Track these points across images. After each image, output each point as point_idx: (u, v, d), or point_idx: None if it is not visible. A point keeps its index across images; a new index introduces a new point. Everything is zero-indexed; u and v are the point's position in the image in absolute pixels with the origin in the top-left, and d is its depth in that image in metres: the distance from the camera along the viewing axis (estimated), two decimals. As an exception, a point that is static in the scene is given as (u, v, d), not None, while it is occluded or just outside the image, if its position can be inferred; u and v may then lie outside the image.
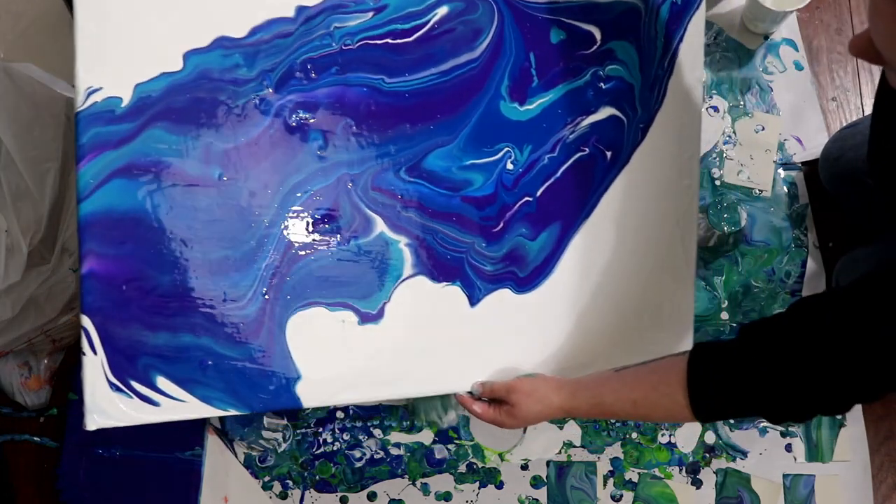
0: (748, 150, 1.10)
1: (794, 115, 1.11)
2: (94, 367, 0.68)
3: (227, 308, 0.72)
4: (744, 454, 1.02)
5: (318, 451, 1.02)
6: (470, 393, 0.81)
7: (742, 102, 1.11)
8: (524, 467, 1.02)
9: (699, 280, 1.06)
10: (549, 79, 0.82)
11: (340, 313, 0.75)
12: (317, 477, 1.02)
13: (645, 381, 0.69)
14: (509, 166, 0.81)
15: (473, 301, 0.81)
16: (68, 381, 1.03)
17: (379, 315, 0.77)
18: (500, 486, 1.02)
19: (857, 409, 1.02)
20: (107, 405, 0.69)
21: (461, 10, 0.78)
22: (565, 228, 0.84)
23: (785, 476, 1.01)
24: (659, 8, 0.86)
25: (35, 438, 1.02)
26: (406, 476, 1.02)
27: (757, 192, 1.09)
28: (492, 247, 0.81)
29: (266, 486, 1.02)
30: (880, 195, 0.76)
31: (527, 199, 0.82)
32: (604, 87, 0.85)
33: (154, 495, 0.99)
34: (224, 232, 0.72)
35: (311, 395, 0.75)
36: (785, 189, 1.09)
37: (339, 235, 0.75)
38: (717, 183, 1.09)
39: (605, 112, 0.85)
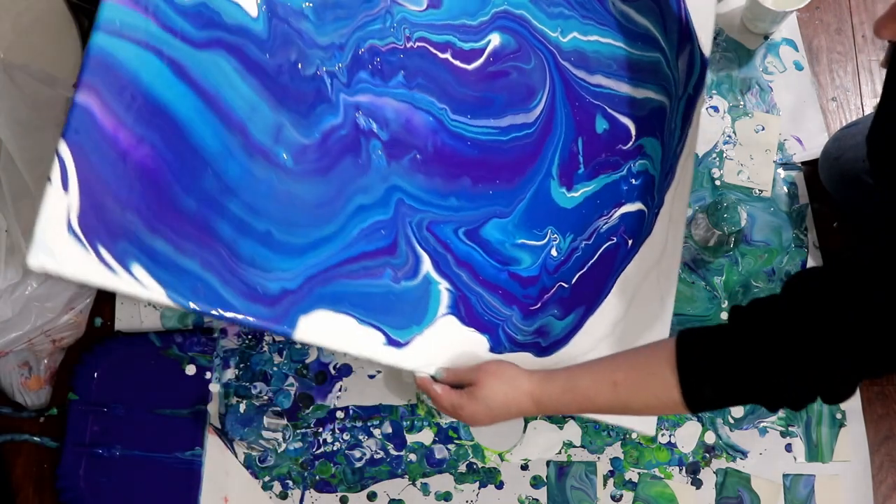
0: (748, 150, 1.10)
1: (794, 115, 1.11)
2: (58, 202, 0.58)
3: (250, 271, 0.67)
4: (744, 454, 1.02)
5: (318, 451, 1.02)
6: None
7: (742, 102, 1.11)
8: (524, 467, 1.02)
9: (699, 280, 1.06)
10: (593, 168, 0.88)
11: (368, 330, 0.75)
12: (317, 477, 1.02)
13: (627, 361, 0.65)
14: (553, 253, 0.85)
15: (495, 351, 0.83)
16: (68, 381, 1.03)
17: (406, 344, 0.77)
18: (500, 486, 1.02)
19: (858, 409, 1.02)
20: (57, 248, 0.58)
21: (513, 51, 0.80)
22: (588, 310, 0.90)
23: (785, 476, 1.01)
24: (679, 103, 0.93)
25: (35, 438, 1.02)
26: (406, 476, 1.02)
27: (757, 192, 1.09)
28: (526, 321, 0.85)
29: (266, 486, 1.02)
30: (880, 192, 0.75)
31: (562, 284, 0.87)
32: (634, 182, 0.91)
33: (154, 495, 0.99)
34: (276, 213, 0.68)
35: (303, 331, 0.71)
36: (785, 189, 1.09)
37: (389, 271, 0.75)
38: (717, 183, 1.09)
39: (634, 206, 0.91)
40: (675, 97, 0.95)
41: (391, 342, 0.76)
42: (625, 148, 0.89)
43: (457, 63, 0.77)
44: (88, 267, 0.59)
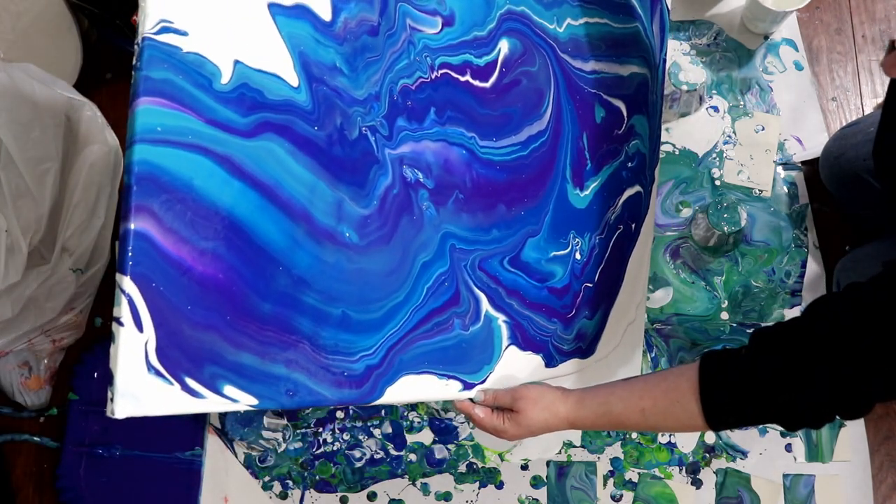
0: (748, 150, 1.10)
1: (794, 115, 1.11)
2: (134, 343, 0.55)
3: (333, 358, 0.66)
4: (744, 454, 1.02)
5: (318, 451, 1.02)
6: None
7: (742, 102, 1.11)
8: (524, 467, 1.02)
9: (699, 280, 1.06)
10: (597, 161, 0.87)
11: (448, 381, 0.75)
12: (317, 477, 1.02)
13: (655, 389, 0.68)
14: (578, 256, 0.86)
15: (549, 366, 0.85)
16: (68, 381, 1.03)
17: (480, 385, 0.78)
18: (500, 486, 1.02)
19: (858, 409, 1.02)
20: (141, 391, 0.55)
21: (520, 55, 0.80)
22: (609, 303, 0.91)
23: (785, 476, 1.01)
24: (657, 72, 0.93)
25: (35, 438, 1.02)
26: (406, 476, 1.02)
27: (757, 192, 1.09)
28: (567, 330, 0.86)
29: (266, 486, 1.02)
30: (884, 193, 0.75)
31: (587, 285, 0.87)
32: (630, 165, 0.90)
33: (154, 495, 0.99)
34: (350, 294, 0.66)
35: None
36: (785, 189, 1.09)
37: (457, 321, 0.76)
38: (717, 183, 1.09)
39: (633, 190, 0.91)
40: (654, 66, 0.95)
41: (467, 386, 0.77)
42: (619, 132, 0.89)
43: (476, 83, 0.77)
44: (175, 400, 0.57)
